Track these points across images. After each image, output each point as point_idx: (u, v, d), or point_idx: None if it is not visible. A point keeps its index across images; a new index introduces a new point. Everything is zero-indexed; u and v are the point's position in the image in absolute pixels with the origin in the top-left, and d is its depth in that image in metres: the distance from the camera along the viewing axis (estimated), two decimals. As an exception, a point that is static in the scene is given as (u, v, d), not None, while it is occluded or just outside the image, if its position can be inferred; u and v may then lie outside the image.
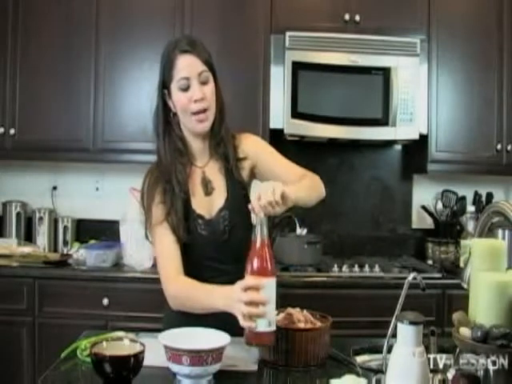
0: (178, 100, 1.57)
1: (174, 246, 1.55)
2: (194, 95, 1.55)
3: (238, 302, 1.28)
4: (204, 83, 1.57)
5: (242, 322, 1.28)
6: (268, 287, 1.27)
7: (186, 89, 1.56)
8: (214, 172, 1.66)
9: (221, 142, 1.64)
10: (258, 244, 1.29)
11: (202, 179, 1.65)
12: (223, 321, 1.42)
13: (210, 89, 1.58)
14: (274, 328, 1.29)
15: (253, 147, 1.69)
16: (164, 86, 1.60)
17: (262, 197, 1.33)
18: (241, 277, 1.57)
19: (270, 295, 1.27)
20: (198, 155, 1.66)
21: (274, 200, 1.33)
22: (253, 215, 1.32)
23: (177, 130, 1.63)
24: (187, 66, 1.56)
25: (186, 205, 1.59)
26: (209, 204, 1.63)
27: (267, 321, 1.26)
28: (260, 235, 1.30)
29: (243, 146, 1.68)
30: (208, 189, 1.64)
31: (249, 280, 1.29)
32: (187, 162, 1.63)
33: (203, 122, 1.58)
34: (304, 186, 1.59)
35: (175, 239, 1.56)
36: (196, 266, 1.57)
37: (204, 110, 1.57)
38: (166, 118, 1.62)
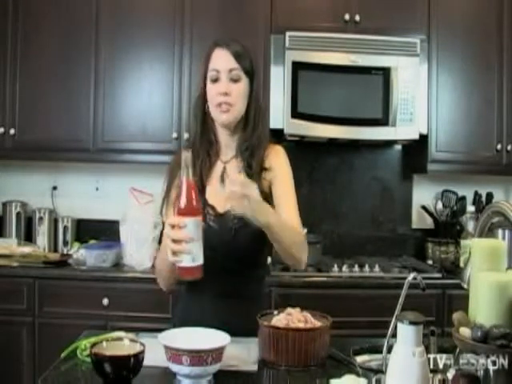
0: (208, 90, 1.63)
1: None
2: (220, 88, 1.59)
3: (167, 238, 1.35)
4: (234, 81, 1.61)
5: (170, 257, 1.35)
6: (191, 226, 1.33)
7: (215, 80, 1.61)
8: (235, 171, 1.67)
9: (249, 148, 1.65)
10: (184, 185, 1.34)
11: (222, 173, 1.67)
12: (223, 321, 1.44)
13: (238, 88, 1.61)
14: (198, 263, 1.35)
15: (278, 166, 1.68)
16: (204, 78, 1.65)
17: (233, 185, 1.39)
18: (245, 276, 1.57)
19: (194, 233, 1.33)
20: (224, 149, 1.70)
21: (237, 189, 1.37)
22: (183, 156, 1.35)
23: (210, 121, 1.68)
24: (219, 58, 1.62)
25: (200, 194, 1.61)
26: (223, 198, 1.62)
27: (191, 257, 1.33)
28: (186, 177, 1.34)
29: (271, 157, 1.68)
30: (225, 183, 1.64)
31: (173, 219, 1.35)
32: (213, 153, 1.68)
33: (224, 113, 1.61)
34: (289, 226, 1.56)
35: None
36: None
37: (226, 103, 1.60)
38: (204, 108, 1.67)
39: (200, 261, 1.35)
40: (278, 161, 1.69)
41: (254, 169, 1.63)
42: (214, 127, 1.68)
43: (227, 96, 1.59)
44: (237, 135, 1.68)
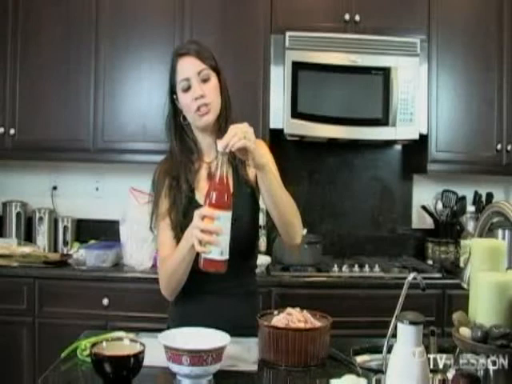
0: (182, 100, 1.63)
1: (173, 242, 1.62)
2: (194, 93, 1.60)
3: (194, 228, 1.37)
4: (205, 81, 1.62)
5: (197, 247, 1.36)
6: (223, 219, 1.35)
7: (187, 89, 1.61)
8: None
9: None
10: (217, 178, 1.36)
11: (208, 174, 1.68)
12: (223, 320, 1.45)
13: (210, 86, 1.62)
14: (225, 257, 1.36)
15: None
16: (172, 91, 1.66)
17: (226, 136, 1.39)
18: (240, 271, 1.58)
19: (224, 227, 1.35)
20: (206, 151, 1.71)
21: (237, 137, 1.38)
22: (218, 147, 1.39)
23: (188, 131, 1.69)
24: (186, 67, 1.63)
25: (190, 199, 1.64)
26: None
27: (220, 250, 1.35)
28: (220, 170, 1.36)
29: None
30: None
31: (205, 210, 1.36)
32: (196, 159, 1.69)
33: (205, 115, 1.62)
34: (287, 197, 1.57)
35: (174, 235, 1.62)
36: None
37: (205, 105, 1.61)
38: (178, 121, 1.68)
39: (227, 255, 1.37)
40: (260, 151, 1.69)
41: (237, 159, 1.62)
42: (192, 136, 1.69)
43: (203, 98, 1.60)
44: (215, 134, 1.68)
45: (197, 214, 1.38)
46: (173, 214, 1.62)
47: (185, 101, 1.62)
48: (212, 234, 1.34)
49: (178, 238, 1.61)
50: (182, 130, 1.69)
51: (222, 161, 1.37)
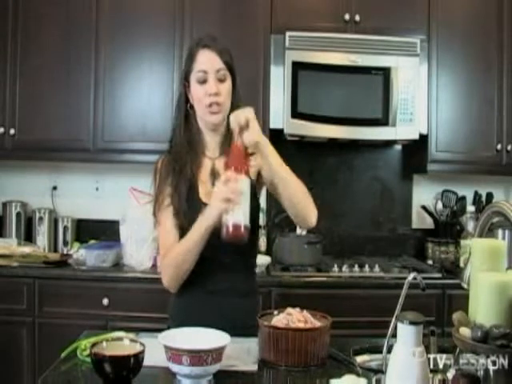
0: (195, 92, 1.64)
1: (175, 230, 1.63)
2: (210, 89, 1.60)
3: (219, 195, 1.44)
4: (221, 80, 1.63)
5: (226, 207, 1.42)
6: (244, 183, 1.44)
7: (202, 81, 1.62)
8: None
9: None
10: (237, 145, 1.45)
11: (212, 170, 1.69)
12: (223, 320, 1.45)
13: (225, 87, 1.63)
14: (247, 224, 1.43)
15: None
16: (186, 77, 1.67)
17: (232, 118, 1.49)
18: (241, 270, 1.59)
19: (246, 191, 1.44)
20: (210, 147, 1.71)
21: (239, 123, 1.46)
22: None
23: (193, 121, 1.70)
24: (206, 60, 1.63)
25: (193, 194, 1.64)
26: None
27: (242, 212, 1.42)
28: (238, 139, 1.46)
29: None
30: (216, 179, 1.66)
31: (228, 173, 1.44)
32: (199, 152, 1.70)
33: (215, 113, 1.63)
34: (294, 178, 1.61)
35: (176, 223, 1.63)
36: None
37: (217, 103, 1.62)
38: (185, 108, 1.69)
39: (248, 223, 1.43)
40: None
41: None
42: (198, 127, 1.70)
43: (217, 96, 1.61)
44: (220, 132, 1.70)
45: (219, 181, 1.45)
46: (175, 200, 1.63)
47: (197, 93, 1.63)
48: (238, 195, 1.41)
49: (180, 225, 1.62)
50: (188, 118, 1.69)
51: (242, 128, 1.45)
